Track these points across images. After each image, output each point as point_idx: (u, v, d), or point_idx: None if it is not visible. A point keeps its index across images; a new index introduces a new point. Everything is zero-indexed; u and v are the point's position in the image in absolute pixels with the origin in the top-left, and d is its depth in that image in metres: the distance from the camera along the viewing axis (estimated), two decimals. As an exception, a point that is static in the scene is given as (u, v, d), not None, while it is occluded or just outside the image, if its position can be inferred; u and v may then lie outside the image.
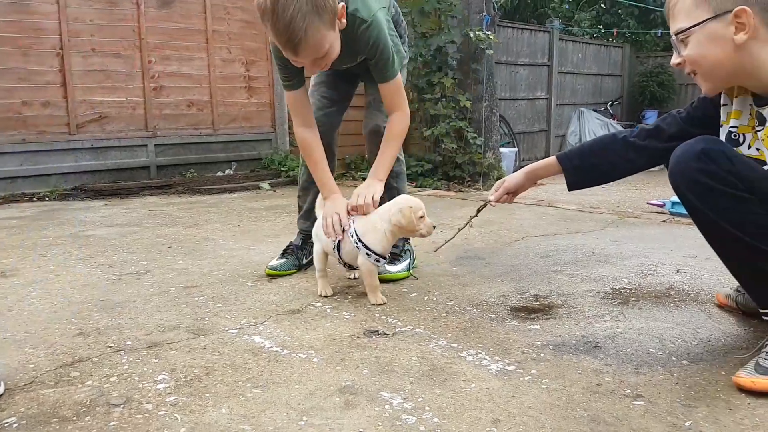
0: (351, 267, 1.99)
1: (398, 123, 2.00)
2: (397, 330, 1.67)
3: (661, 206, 4.04)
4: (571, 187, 1.76)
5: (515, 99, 8.07)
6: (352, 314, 1.80)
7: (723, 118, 1.54)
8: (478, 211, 1.98)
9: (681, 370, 1.40)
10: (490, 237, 2.97)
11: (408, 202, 1.88)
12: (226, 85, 5.39)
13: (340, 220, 1.89)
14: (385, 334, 1.64)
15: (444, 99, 5.70)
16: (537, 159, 9.03)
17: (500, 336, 1.62)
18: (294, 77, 1.95)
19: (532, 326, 1.70)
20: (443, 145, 5.60)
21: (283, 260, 2.25)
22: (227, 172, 5.35)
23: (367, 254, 1.86)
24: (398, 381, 1.34)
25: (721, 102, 1.54)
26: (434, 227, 1.91)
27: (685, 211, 4.29)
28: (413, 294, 1.99)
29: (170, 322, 1.76)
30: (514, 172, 7.70)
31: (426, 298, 1.95)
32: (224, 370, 1.43)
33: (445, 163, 5.70)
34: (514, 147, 7.50)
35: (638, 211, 3.89)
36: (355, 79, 2.27)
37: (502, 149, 6.61)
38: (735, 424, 1.14)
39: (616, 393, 1.28)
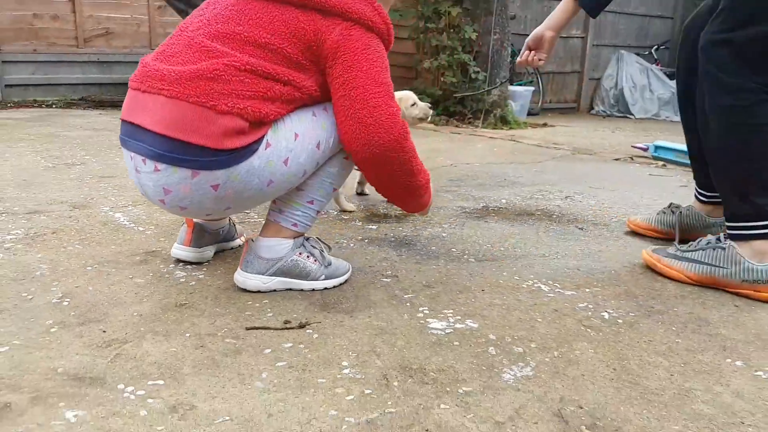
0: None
1: None
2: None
3: (645, 149, 3.97)
4: (591, 12, 1.61)
5: (546, 37, 7.78)
6: None
7: None
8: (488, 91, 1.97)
9: (466, 264, 1.53)
10: (425, 162, 3.07)
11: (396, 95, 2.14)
12: None
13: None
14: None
15: (451, 29, 5.62)
16: (566, 101, 8.73)
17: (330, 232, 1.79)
18: None
19: (370, 226, 1.85)
20: (443, 79, 5.56)
21: None
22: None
23: None
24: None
25: None
26: (430, 108, 2.13)
27: (666, 156, 4.11)
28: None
29: None
30: (529, 113, 7.42)
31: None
32: None
33: (446, 97, 5.65)
34: (533, 87, 7.30)
35: (615, 153, 3.83)
36: None
37: (514, 87, 6.47)
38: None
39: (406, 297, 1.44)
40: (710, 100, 1.35)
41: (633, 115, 7.69)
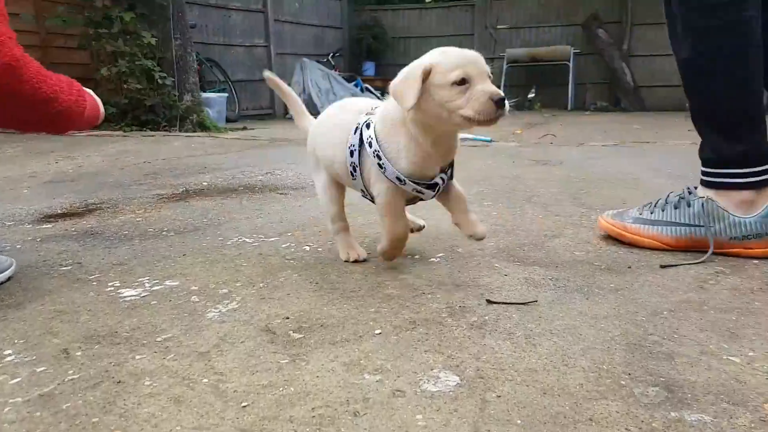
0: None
1: None
2: None
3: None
4: None
5: (230, 45, 7.88)
6: None
7: None
8: None
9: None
10: (114, 163, 2.77)
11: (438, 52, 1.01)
12: None
13: None
14: None
15: (127, 36, 5.23)
16: (262, 108, 8.91)
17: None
18: None
19: (44, 225, 1.58)
20: (127, 86, 5.15)
21: None
22: None
23: (381, 167, 1.05)
24: None
25: None
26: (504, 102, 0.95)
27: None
28: None
29: None
30: (228, 120, 7.35)
31: None
32: None
33: (135, 106, 5.25)
34: (227, 94, 7.32)
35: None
36: None
37: (208, 94, 6.38)
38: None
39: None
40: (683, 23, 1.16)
41: (323, 115, 8.32)
